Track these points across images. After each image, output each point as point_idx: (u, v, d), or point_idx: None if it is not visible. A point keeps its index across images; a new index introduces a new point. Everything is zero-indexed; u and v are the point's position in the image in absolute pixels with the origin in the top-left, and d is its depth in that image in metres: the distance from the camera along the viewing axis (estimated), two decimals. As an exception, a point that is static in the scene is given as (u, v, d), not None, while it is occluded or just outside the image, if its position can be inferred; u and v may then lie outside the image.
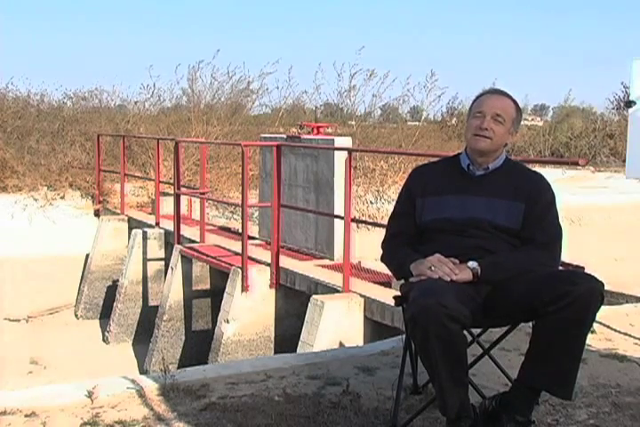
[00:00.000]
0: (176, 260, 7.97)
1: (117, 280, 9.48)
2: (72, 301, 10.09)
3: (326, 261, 7.13)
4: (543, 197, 2.68)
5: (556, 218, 2.69)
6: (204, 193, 8.54)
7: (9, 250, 9.86)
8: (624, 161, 4.66)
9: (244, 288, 6.66)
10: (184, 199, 9.63)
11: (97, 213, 11.12)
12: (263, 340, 6.76)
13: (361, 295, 5.79)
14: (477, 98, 2.73)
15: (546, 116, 31.67)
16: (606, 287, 2.44)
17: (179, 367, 6.82)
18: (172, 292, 7.89)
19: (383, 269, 6.24)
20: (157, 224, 9.34)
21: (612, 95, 21.78)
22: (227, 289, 6.86)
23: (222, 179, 12.40)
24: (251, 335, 6.72)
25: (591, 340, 3.79)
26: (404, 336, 2.83)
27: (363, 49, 18.56)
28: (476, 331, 2.70)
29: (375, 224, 6.70)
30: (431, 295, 2.31)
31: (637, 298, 5.58)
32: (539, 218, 2.64)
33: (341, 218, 6.17)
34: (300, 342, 5.71)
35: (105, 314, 9.57)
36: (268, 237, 7.23)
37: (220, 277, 7.63)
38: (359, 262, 6.82)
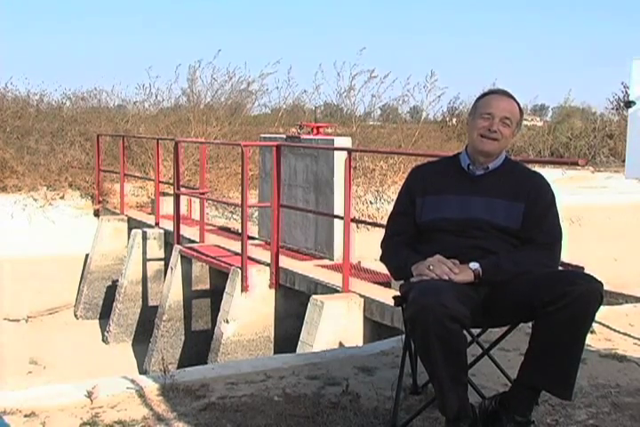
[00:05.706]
0: (176, 260, 7.97)
1: (117, 280, 9.48)
2: (72, 301, 10.09)
3: (326, 262, 7.13)
4: (543, 197, 2.67)
5: (556, 218, 2.68)
6: (203, 193, 8.54)
7: (9, 250, 9.85)
8: (624, 161, 4.66)
9: (244, 288, 6.66)
10: (184, 199, 9.62)
11: (97, 213, 11.11)
12: (263, 340, 6.76)
13: (361, 295, 5.78)
14: (483, 97, 2.70)
15: (545, 116, 31.60)
16: (606, 287, 2.44)
17: (178, 367, 6.81)
18: (171, 292, 7.89)
19: (383, 269, 6.20)
20: (157, 224, 9.34)
21: (611, 95, 21.77)
22: (226, 289, 6.85)
23: (222, 179, 12.40)
24: (250, 335, 6.72)
25: (591, 340, 3.80)
26: (403, 336, 2.83)
27: (363, 49, 18.53)
28: (475, 331, 2.69)
29: (375, 224, 6.69)
30: (431, 295, 2.31)
31: (637, 298, 5.57)
32: (539, 218, 2.64)
33: (341, 218, 6.17)
34: (299, 342, 5.71)
35: (105, 314, 9.57)
36: (268, 237, 7.23)
37: (219, 277, 7.63)
38: (359, 262, 6.81)
